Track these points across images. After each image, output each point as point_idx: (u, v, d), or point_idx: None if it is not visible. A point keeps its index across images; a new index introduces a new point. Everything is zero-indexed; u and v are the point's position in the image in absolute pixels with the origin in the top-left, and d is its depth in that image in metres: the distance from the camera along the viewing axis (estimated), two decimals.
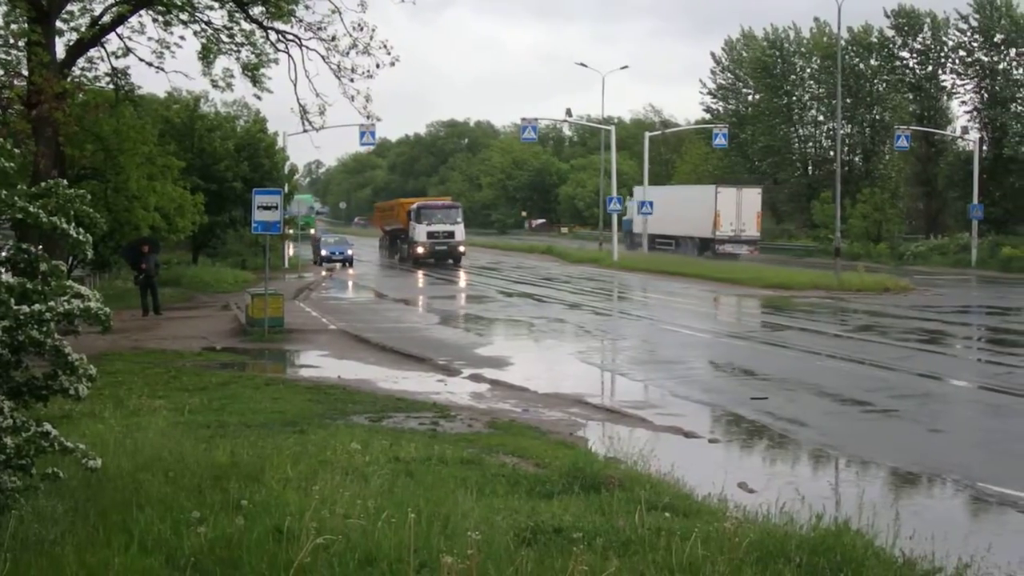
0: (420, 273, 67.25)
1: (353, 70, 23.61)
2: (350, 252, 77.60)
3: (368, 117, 25.48)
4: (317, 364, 27.81)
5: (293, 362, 29.09)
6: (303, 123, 26.16)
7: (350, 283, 61.63)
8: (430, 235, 72.51)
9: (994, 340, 34.01)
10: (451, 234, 73.04)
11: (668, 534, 9.15)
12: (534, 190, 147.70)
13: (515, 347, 32.17)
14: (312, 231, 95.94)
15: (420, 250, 72.11)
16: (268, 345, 31.01)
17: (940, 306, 42.58)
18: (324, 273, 67.03)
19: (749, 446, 18.38)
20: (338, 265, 75.19)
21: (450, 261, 72.45)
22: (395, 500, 10.16)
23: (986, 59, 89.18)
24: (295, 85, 26.86)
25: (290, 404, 19.31)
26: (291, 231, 77.14)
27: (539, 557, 8.49)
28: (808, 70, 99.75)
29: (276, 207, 32.55)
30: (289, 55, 31.55)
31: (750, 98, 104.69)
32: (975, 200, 73.37)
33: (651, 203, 78.33)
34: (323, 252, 77.67)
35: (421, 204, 77.51)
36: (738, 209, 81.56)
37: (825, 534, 9.68)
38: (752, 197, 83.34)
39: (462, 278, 63.40)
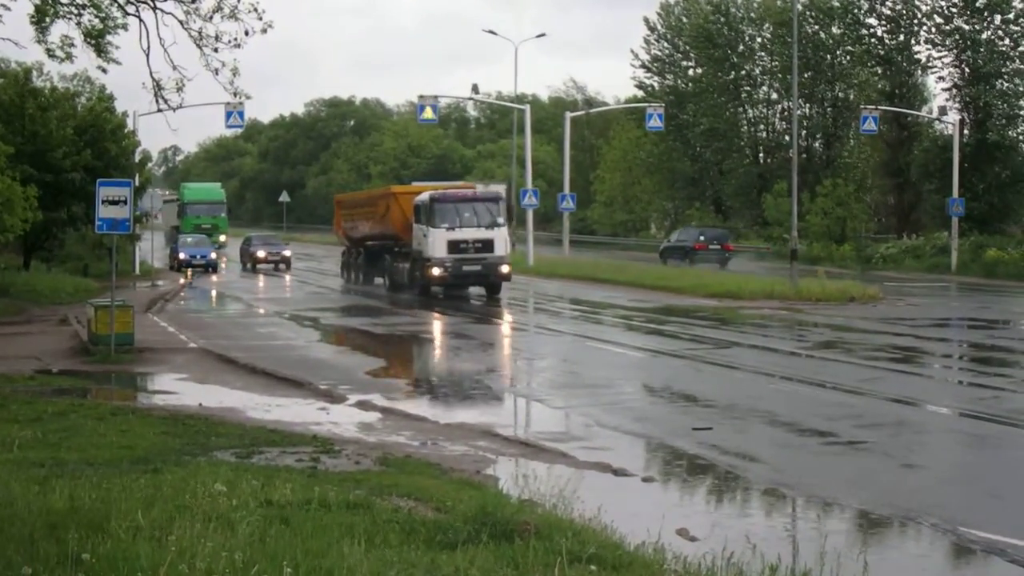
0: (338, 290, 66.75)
1: (217, 38, 23.25)
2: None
3: (235, 94, 25.10)
4: (174, 390, 27.59)
5: (145, 387, 28.88)
6: (157, 101, 25.74)
7: (214, 292, 61.23)
8: (454, 246, 50.99)
9: (977, 359, 34.51)
10: (488, 244, 51.42)
11: None
12: (435, 180, 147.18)
13: (410, 368, 32.16)
14: (223, 238, 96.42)
15: (436, 271, 50.89)
16: (115, 367, 30.71)
17: (914, 318, 43.14)
18: (183, 281, 66.42)
19: (691, 486, 18.46)
20: (201, 271, 74.52)
21: (485, 289, 54.14)
22: (268, 552, 10.08)
23: (967, 27, 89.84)
24: (148, 56, 26.47)
25: (141, 438, 19.12)
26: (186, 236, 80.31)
27: None
28: (759, 40, 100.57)
29: (125, 201, 32.20)
30: (141, 20, 31.05)
31: (691, 72, 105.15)
32: (955, 194, 74.32)
33: (573, 196, 78.95)
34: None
35: (437, 195, 53.18)
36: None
37: None
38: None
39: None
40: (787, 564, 11.10)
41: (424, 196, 53.31)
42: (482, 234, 51.84)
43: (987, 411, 23.82)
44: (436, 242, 51.07)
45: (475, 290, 54.79)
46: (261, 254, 78.74)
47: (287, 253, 79.07)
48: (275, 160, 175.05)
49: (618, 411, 24.26)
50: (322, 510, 12.85)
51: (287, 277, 74.83)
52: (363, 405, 24.80)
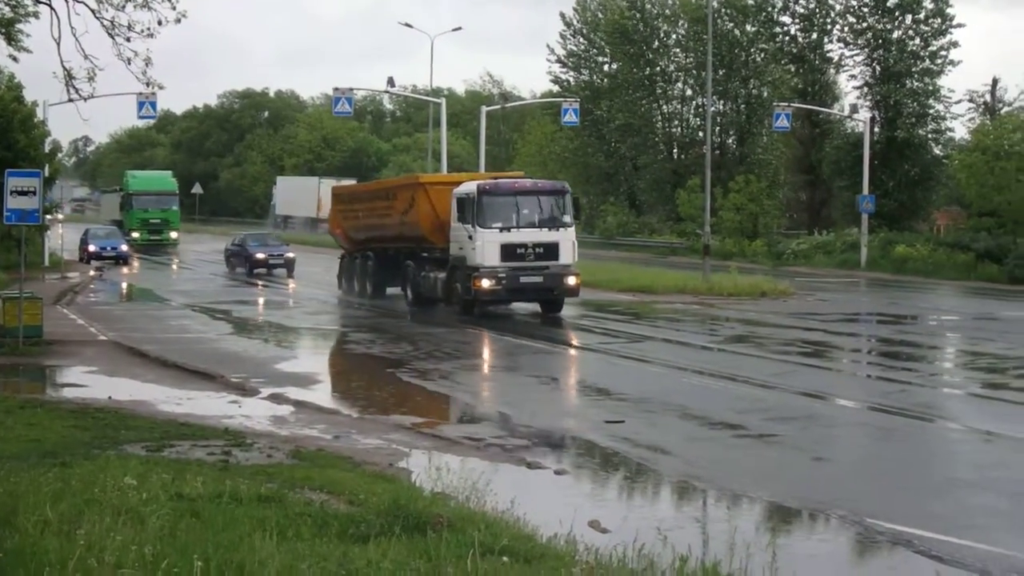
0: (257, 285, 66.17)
1: (130, 27, 22.99)
2: (124, 247, 75.95)
3: (148, 85, 24.82)
4: (83, 382, 27.32)
5: (54, 380, 28.59)
6: (68, 91, 25.42)
7: (124, 284, 60.67)
8: (510, 252, 39.93)
9: (886, 353, 34.87)
10: (551, 250, 40.41)
11: None
12: (349, 174, 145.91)
13: (325, 362, 32.07)
14: (174, 234, 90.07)
15: (487, 283, 39.70)
16: (22, 359, 30.38)
17: (825, 313, 43.52)
18: (93, 273, 65.59)
19: (603, 478, 18.53)
20: (111, 263, 73.67)
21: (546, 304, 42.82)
22: (178, 546, 10.02)
23: (879, 26, 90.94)
24: (59, 45, 26.11)
25: (49, 431, 18.94)
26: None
27: None
28: (674, 36, 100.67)
29: (34, 192, 31.88)
30: (52, 8, 30.77)
31: (606, 68, 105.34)
32: (865, 191, 74.82)
33: None
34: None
35: (487, 185, 41.50)
36: None
37: None
38: None
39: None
40: (697, 555, 11.17)
41: (469, 187, 41.20)
42: (544, 236, 40.06)
43: (895, 405, 24.07)
44: (486, 246, 39.15)
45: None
46: (261, 256, 65.86)
47: (291, 255, 66.08)
48: (188, 151, 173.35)
49: (532, 404, 24.34)
50: (233, 503, 12.77)
51: (290, 285, 60.84)
52: (276, 398, 24.69)
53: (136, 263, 76.26)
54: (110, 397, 23.89)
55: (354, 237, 52.49)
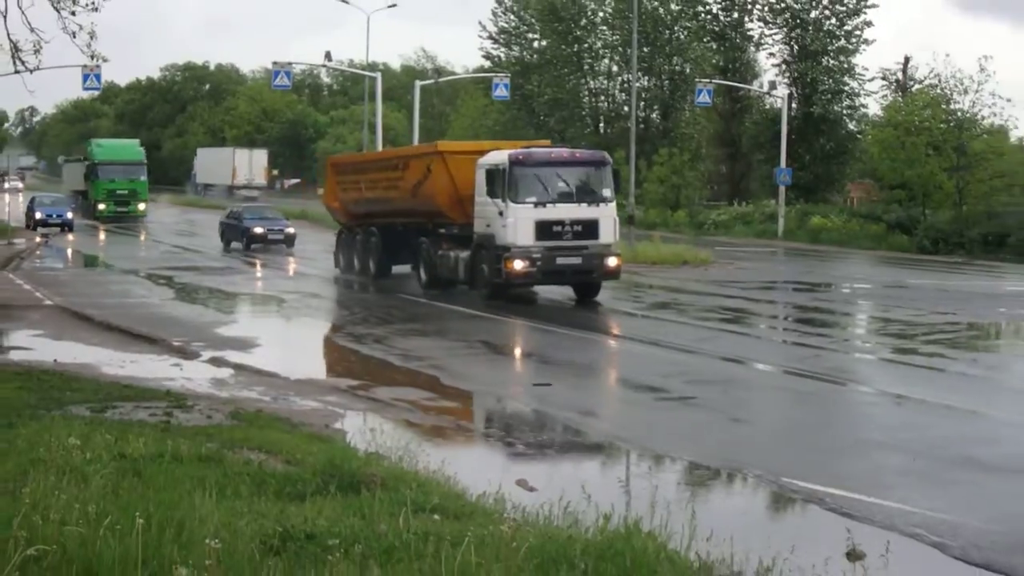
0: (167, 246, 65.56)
1: (75, 1, 22.81)
2: (69, 215, 75.10)
3: (92, 57, 24.61)
4: (29, 345, 27.02)
5: (0, 343, 28.33)
6: (15, 62, 25.16)
7: (69, 251, 60.18)
8: (545, 230, 34.28)
9: (801, 319, 35.13)
10: (590, 228, 34.79)
11: (437, 539, 9.19)
12: (287, 145, 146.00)
13: (263, 326, 32.02)
14: (142, 206, 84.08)
15: (519, 265, 33.94)
16: None
17: (743, 281, 43.75)
18: (39, 239, 65.06)
19: (530, 439, 18.58)
20: (57, 230, 72.95)
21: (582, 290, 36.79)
22: (120, 504, 9.95)
23: (796, 6, 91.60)
24: (4, 18, 25.76)
25: None
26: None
27: (288, 567, 8.46)
28: (601, 14, 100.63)
29: None
30: None
31: (536, 44, 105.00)
32: (782, 164, 75.30)
33: None
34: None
35: (520, 155, 35.26)
36: (250, 165, 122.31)
37: (613, 537, 9.84)
38: (260, 157, 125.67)
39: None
40: (620, 513, 11.20)
41: (498, 157, 35.28)
42: (583, 212, 34.48)
43: (809, 369, 24.26)
44: (518, 224, 33.67)
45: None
46: (259, 231, 59.30)
47: (291, 230, 60.26)
48: (131, 122, 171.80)
49: (463, 368, 24.38)
50: (174, 463, 12.70)
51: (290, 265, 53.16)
52: (216, 361, 24.59)
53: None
54: (55, 360, 23.64)
55: (354, 211, 45.84)
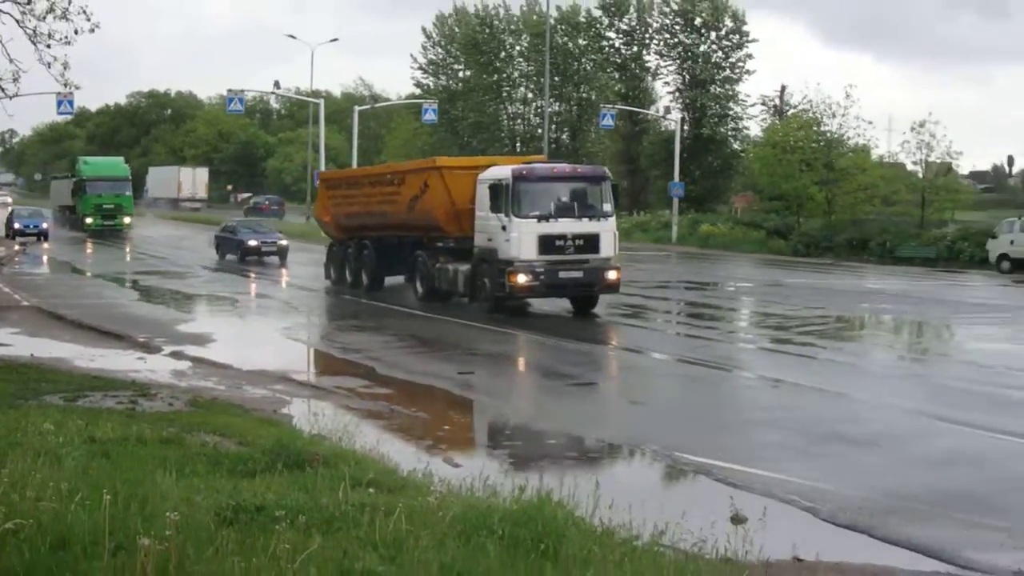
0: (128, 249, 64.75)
1: (50, 36, 22.51)
2: (45, 225, 74.06)
3: (66, 85, 24.31)
4: (8, 342, 26.56)
5: None
6: None
7: (45, 258, 59.40)
8: (547, 244, 31.02)
9: (692, 314, 35.33)
10: (591, 242, 31.46)
11: (372, 510, 9.17)
12: (241, 163, 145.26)
13: (219, 324, 31.71)
14: (127, 219, 78.83)
15: (523, 279, 30.80)
16: None
17: (642, 281, 43.77)
18: (17, 247, 64.17)
19: (455, 421, 18.58)
20: (33, 239, 71.91)
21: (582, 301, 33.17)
22: (90, 482, 9.84)
23: (688, 41, 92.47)
24: None
25: None
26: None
27: (240, 536, 8.38)
28: (518, 48, 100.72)
29: None
30: None
31: (461, 74, 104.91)
32: (676, 178, 75.78)
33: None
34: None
35: (522, 170, 31.85)
36: (193, 180, 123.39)
37: (527, 506, 9.84)
38: (201, 174, 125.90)
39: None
40: (534, 484, 11.22)
41: (500, 172, 31.98)
42: (584, 227, 31.26)
43: (699, 357, 24.40)
44: (522, 238, 30.53)
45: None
46: (253, 243, 54.32)
47: (284, 243, 55.07)
48: (102, 143, 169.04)
49: (397, 358, 24.32)
50: (139, 445, 12.58)
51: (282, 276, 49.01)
52: (176, 355, 24.36)
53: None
54: (32, 355, 23.33)
55: (346, 224, 41.38)
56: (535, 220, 30.49)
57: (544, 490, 10.72)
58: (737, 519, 10.97)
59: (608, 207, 31.78)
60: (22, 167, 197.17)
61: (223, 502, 9.46)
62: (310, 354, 26.70)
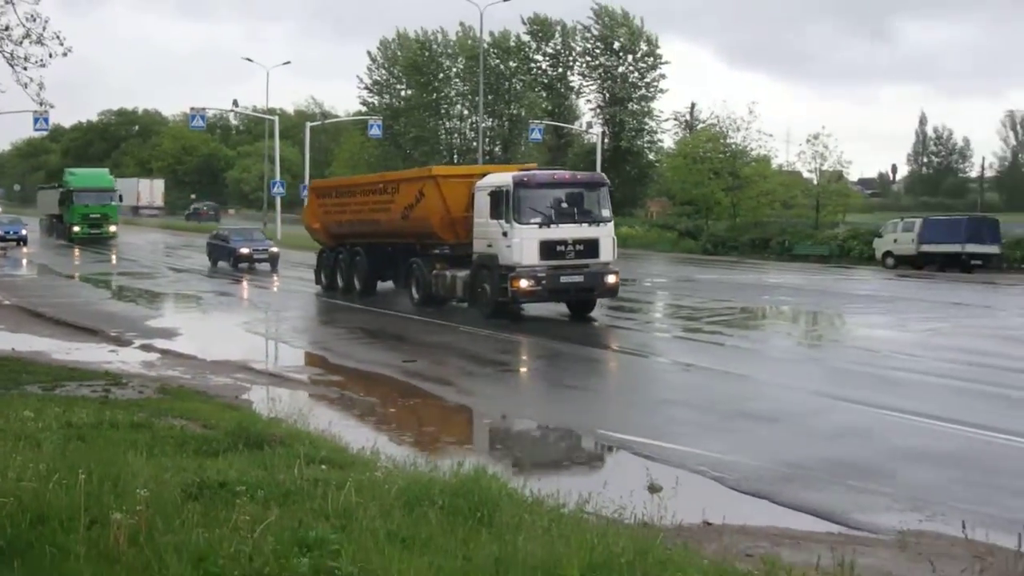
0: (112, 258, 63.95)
1: (26, 59, 22.22)
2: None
3: (41, 104, 24.01)
4: None
5: None
6: None
7: (24, 261, 58.59)
8: (549, 249, 28.75)
9: (613, 307, 35.28)
10: (591, 247, 29.25)
11: (324, 484, 9.13)
12: (203, 174, 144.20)
13: (184, 319, 31.43)
14: (113, 228, 75.07)
15: (525, 284, 28.50)
16: None
17: None
18: None
19: (401, 404, 18.54)
20: (13, 244, 70.87)
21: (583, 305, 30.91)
22: (67, 463, 9.70)
23: (607, 63, 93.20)
24: None
25: None
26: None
27: (205, 509, 8.33)
28: (454, 69, 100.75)
29: None
30: None
31: (403, 93, 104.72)
32: None
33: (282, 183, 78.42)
34: None
35: (523, 177, 29.56)
36: (151, 191, 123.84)
37: (465, 479, 9.83)
38: (158, 185, 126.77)
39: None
40: (471, 461, 11.24)
41: (500, 179, 29.48)
42: (584, 232, 28.73)
43: (620, 346, 24.53)
44: (524, 244, 28.03)
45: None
46: (245, 251, 50.34)
47: (275, 250, 51.00)
48: (75, 157, 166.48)
49: (346, 348, 24.27)
50: (112, 429, 12.46)
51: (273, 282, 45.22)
52: (146, 347, 24.15)
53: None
54: (13, 349, 22.97)
55: (337, 232, 38.41)
56: (536, 226, 28.02)
57: (480, 465, 10.74)
58: (653, 488, 11.03)
59: (607, 212, 29.42)
60: (2, 179, 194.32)
61: (189, 479, 9.39)
62: (268, 345, 26.45)
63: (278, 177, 77.08)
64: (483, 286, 29.17)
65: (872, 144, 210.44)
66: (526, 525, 8.45)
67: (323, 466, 10.24)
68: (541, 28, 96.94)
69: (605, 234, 29.05)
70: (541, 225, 28.09)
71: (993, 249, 51.50)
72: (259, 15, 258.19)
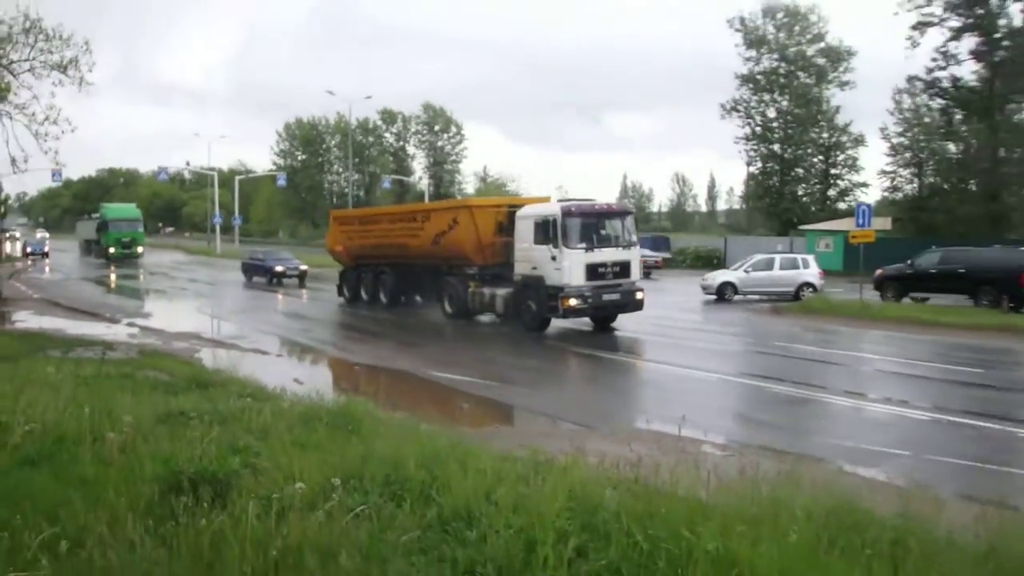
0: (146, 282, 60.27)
1: (47, 135, 21.15)
2: (46, 248, 69.02)
3: (57, 164, 22.94)
4: (25, 320, 24.61)
5: (8, 318, 25.76)
6: (14, 169, 23.16)
7: (47, 268, 55.12)
8: (593, 271, 21.09)
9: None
10: (625, 268, 21.64)
11: (249, 410, 8.98)
12: (167, 211, 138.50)
13: (156, 306, 30.18)
14: (140, 248, 64.77)
15: (574, 302, 20.75)
16: None
17: None
18: (29, 263, 59.36)
19: (301, 358, 18.27)
20: (39, 257, 66.80)
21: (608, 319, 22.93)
22: (77, 401, 9.27)
23: (431, 139, 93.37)
24: (7, 144, 23.55)
25: (6, 347, 17.11)
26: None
27: (170, 429, 8.12)
28: (333, 141, 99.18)
29: None
30: (1, 123, 27.72)
31: (299, 157, 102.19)
32: None
33: (240, 218, 76.34)
34: (28, 249, 68.21)
35: (571, 207, 21.35)
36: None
37: (343, 405, 9.75)
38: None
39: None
40: (350, 395, 11.14)
41: (548, 209, 21.90)
42: (620, 255, 21.74)
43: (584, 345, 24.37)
44: (572, 267, 21.05)
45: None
46: (279, 269, 40.15)
47: (304, 268, 40.34)
48: (82, 200, 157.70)
49: (265, 323, 23.72)
50: (107, 379, 11.94)
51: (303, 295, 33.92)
52: (130, 324, 23.15)
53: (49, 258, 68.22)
54: (40, 327, 21.72)
55: (359, 254, 29.45)
56: (583, 250, 21.03)
57: (354, 397, 10.73)
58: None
59: (634, 237, 22.26)
60: (32, 212, 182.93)
61: (160, 410, 9.13)
62: (213, 322, 25.50)
63: (218, 213, 74.75)
64: (527, 303, 21.92)
65: (594, 193, 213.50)
66: (382, 433, 8.50)
67: (248, 399, 10.05)
68: (389, 116, 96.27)
69: (634, 256, 22.17)
70: (586, 250, 21.13)
71: (666, 255, 48.41)
72: (205, 101, 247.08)
